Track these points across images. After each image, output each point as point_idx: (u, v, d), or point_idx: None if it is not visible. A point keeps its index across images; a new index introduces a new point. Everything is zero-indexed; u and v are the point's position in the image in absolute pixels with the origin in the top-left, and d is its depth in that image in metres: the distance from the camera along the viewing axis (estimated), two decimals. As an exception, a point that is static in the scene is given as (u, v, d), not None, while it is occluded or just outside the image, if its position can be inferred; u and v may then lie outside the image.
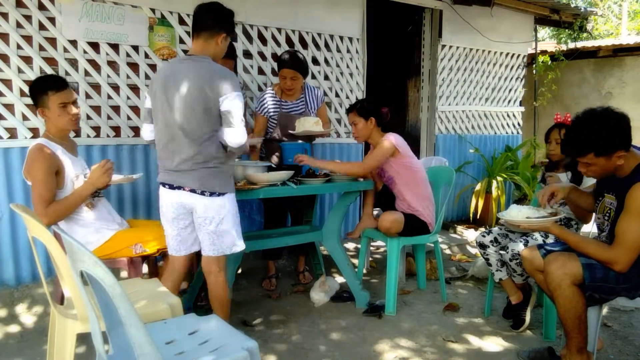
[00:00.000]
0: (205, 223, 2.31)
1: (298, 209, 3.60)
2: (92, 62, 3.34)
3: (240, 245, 2.42)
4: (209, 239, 2.34)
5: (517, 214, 2.35)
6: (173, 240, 2.42)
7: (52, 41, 3.19)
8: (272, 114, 3.44)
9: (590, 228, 2.87)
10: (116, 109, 3.46)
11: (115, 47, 3.41)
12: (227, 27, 2.34)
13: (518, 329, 2.84)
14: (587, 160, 2.10)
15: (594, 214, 2.44)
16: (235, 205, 2.39)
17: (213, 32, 2.29)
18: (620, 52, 7.63)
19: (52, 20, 3.17)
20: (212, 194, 2.27)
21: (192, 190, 2.26)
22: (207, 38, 2.29)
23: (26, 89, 3.12)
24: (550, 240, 2.73)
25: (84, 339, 2.48)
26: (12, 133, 3.12)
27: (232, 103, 2.22)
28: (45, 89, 2.43)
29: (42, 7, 3.14)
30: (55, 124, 2.47)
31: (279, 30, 4.13)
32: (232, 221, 2.36)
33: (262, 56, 4.07)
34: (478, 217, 5.11)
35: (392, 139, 3.10)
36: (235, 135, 2.25)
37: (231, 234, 2.36)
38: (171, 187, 2.30)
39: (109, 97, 3.41)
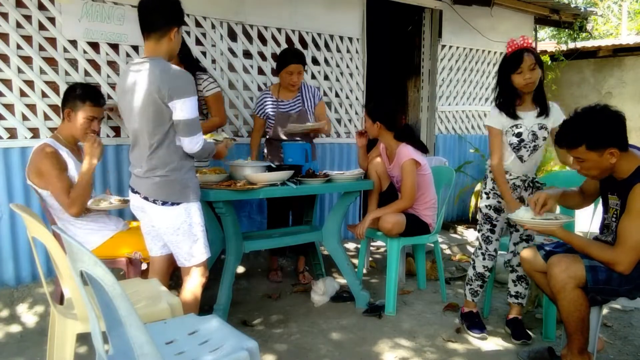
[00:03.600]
0: (160, 232, 2.28)
1: (300, 209, 3.62)
2: (92, 62, 3.34)
3: (198, 258, 2.28)
4: (170, 247, 2.31)
5: (524, 214, 2.35)
6: (145, 239, 2.41)
7: (52, 41, 3.19)
8: (270, 114, 3.45)
9: (588, 228, 2.88)
10: (116, 109, 3.46)
11: (115, 47, 3.41)
12: (177, 19, 2.17)
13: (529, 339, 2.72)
14: (579, 154, 2.10)
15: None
16: (196, 215, 2.25)
17: (164, 30, 2.13)
18: (620, 52, 7.64)
19: (52, 20, 3.17)
20: (164, 204, 2.18)
21: (145, 198, 2.21)
22: (158, 38, 2.15)
23: (26, 89, 3.12)
24: (540, 239, 2.75)
25: (84, 339, 2.48)
26: (12, 133, 3.12)
27: (180, 112, 2.10)
28: (85, 97, 2.51)
29: (42, 7, 3.13)
30: (71, 130, 2.54)
31: (279, 30, 4.13)
32: (187, 232, 2.23)
33: (262, 56, 4.07)
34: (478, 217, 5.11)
35: (412, 156, 3.07)
36: (185, 145, 2.17)
37: (186, 245, 2.25)
38: (132, 190, 2.30)
39: (109, 97, 3.40)
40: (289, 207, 3.62)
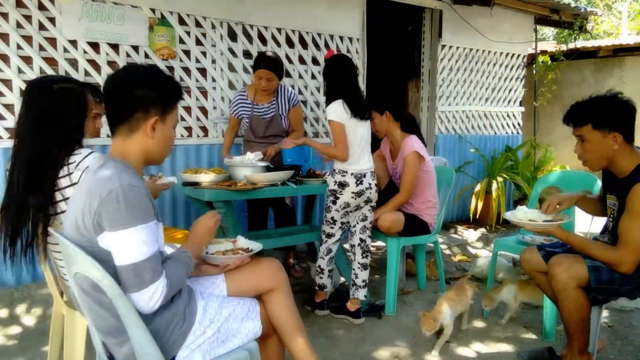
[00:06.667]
0: None
1: (280, 209, 3.63)
2: (92, 62, 3.34)
3: None
4: None
5: (523, 215, 2.34)
6: None
7: (52, 41, 3.19)
8: (244, 116, 3.46)
9: (588, 228, 2.87)
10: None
11: (115, 47, 3.41)
12: None
13: None
14: (584, 132, 2.10)
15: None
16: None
17: None
18: (620, 52, 7.63)
19: (52, 20, 3.17)
20: None
21: None
22: None
23: (26, 89, 3.12)
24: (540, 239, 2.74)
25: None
26: (12, 133, 3.12)
27: None
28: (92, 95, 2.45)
29: (42, 7, 3.14)
30: None
31: (279, 30, 4.13)
32: None
33: (262, 56, 4.07)
34: (478, 217, 5.11)
35: (416, 148, 3.05)
36: None
37: None
38: None
39: (109, 97, 3.41)
40: (268, 206, 3.64)
